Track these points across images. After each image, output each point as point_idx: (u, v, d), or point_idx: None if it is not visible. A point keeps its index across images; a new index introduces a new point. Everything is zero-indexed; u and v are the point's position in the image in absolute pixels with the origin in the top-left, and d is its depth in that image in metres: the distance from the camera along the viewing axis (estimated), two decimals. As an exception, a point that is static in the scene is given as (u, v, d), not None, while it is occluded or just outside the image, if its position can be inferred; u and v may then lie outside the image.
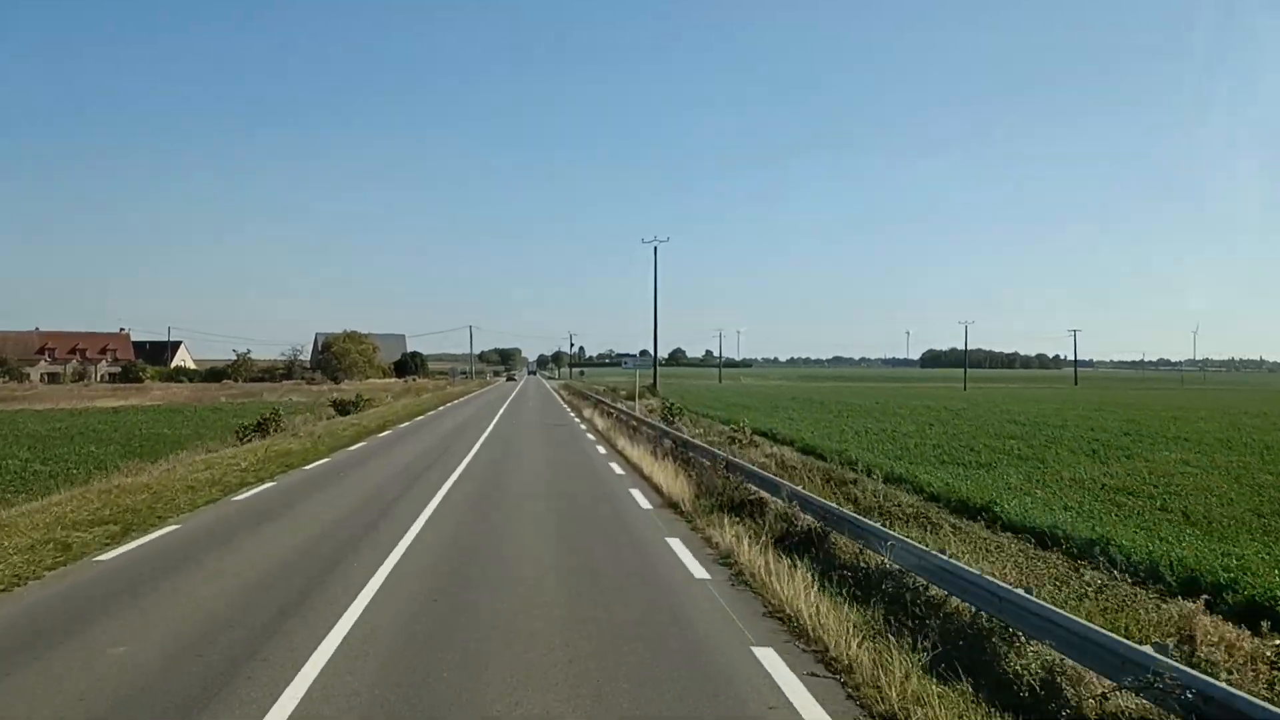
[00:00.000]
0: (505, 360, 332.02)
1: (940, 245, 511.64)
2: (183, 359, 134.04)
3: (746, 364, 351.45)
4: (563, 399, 65.65)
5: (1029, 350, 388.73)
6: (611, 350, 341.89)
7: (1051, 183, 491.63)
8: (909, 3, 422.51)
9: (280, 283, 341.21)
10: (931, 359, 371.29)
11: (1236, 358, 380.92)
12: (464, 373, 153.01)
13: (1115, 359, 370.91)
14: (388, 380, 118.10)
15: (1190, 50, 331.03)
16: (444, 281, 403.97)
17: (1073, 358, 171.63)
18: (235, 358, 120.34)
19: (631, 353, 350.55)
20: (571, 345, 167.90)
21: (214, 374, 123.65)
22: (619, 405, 46.62)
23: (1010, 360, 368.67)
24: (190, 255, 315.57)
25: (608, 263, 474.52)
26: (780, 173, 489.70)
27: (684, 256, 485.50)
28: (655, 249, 65.00)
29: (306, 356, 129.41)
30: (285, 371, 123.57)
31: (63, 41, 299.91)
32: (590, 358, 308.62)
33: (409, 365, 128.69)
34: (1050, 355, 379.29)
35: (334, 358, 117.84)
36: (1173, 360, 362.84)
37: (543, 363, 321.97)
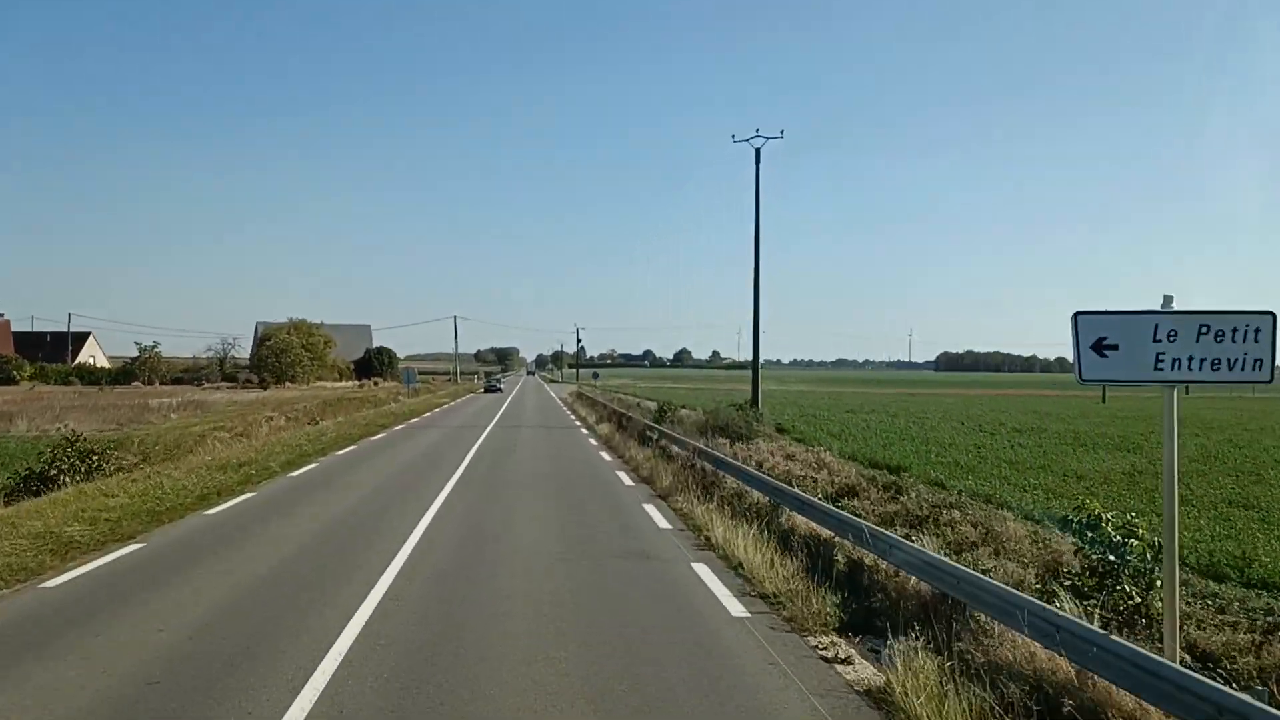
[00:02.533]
0: (502, 360, 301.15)
1: (940, 245, 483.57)
2: (92, 353, 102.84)
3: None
4: (595, 436, 33.11)
5: (1044, 354, 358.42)
6: (613, 350, 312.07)
7: (1051, 183, 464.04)
8: (909, 3, 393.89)
9: (265, 276, 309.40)
10: (948, 362, 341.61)
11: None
12: (446, 375, 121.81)
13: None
14: (338, 384, 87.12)
15: (1190, 50, 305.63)
16: (443, 281, 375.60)
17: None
18: (139, 352, 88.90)
19: (634, 352, 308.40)
20: (578, 340, 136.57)
21: (127, 374, 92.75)
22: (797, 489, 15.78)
23: (1029, 364, 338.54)
24: (167, 250, 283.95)
25: (607, 262, 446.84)
26: (780, 172, 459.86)
27: (683, 255, 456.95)
28: (758, 153, 34.30)
29: (248, 351, 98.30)
30: (216, 370, 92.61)
31: (62, 39, 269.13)
32: (591, 357, 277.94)
33: (374, 364, 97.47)
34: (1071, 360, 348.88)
35: (272, 354, 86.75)
36: None
37: (541, 363, 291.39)
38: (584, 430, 33.33)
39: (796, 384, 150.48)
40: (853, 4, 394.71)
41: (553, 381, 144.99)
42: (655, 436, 25.05)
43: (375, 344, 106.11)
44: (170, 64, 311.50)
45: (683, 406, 40.34)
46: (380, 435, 29.48)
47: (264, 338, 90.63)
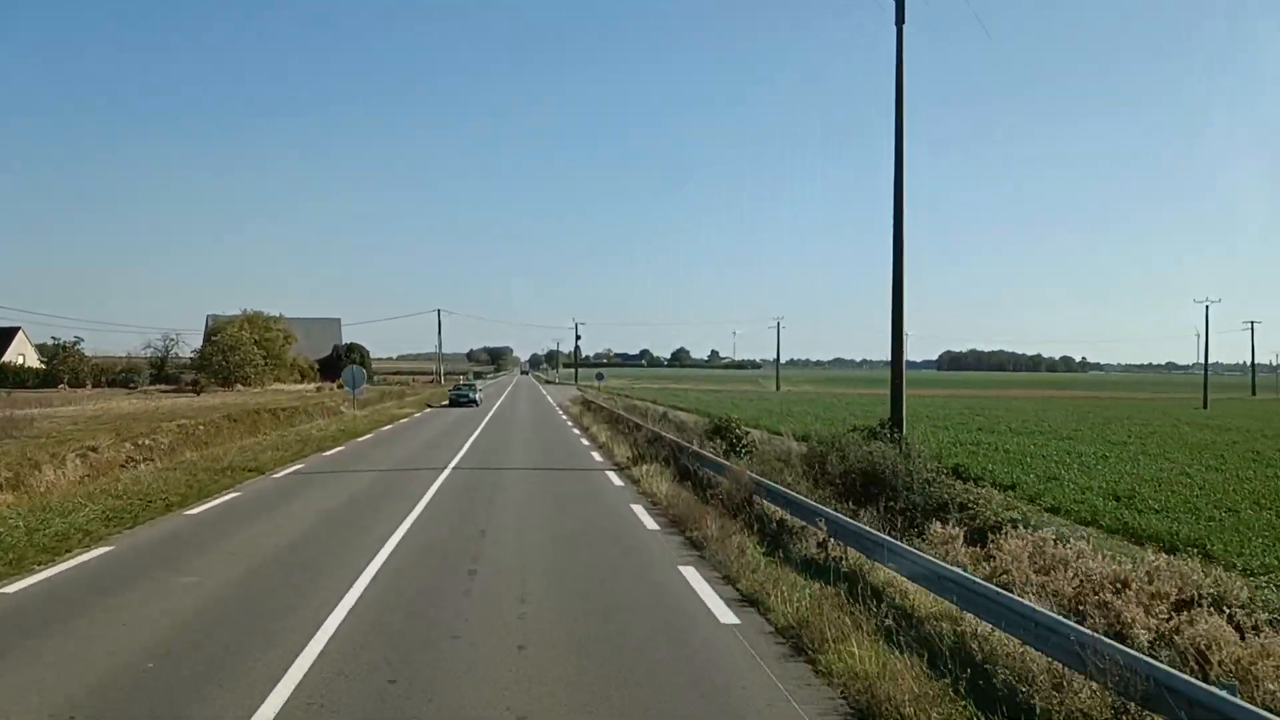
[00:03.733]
0: (495, 359, 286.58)
1: (940, 244, 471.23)
2: (21, 351, 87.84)
3: (754, 365, 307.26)
4: (643, 497, 15.50)
5: (1048, 353, 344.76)
6: (609, 349, 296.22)
7: (1052, 183, 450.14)
8: (909, 3, 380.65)
9: (264, 276, 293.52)
10: (950, 361, 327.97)
11: (1248, 361, 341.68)
12: (430, 376, 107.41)
13: (1123, 362, 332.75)
14: (294, 388, 72.42)
15: (1190, 51, 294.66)
16: (441, 280, 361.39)
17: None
18: (56, 349, 74.22)
19: (630, 352, 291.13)
20: (577, 337, 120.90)
21: (50, 378, 77.90)
22: None
23: (1035, 363, 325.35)
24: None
25: (605, 262, 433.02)
26: (783, 171, 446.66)
27: (682, 255, 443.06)
28: (899, 5, 19.81)
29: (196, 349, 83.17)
30: (154, 369, 77.76)
31: (63, 39, 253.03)
32: (587, 357, 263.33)
33: (342, 363, 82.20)
34: (1078, 359, 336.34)
35: (219, 351, 71.95)
36: (1180, 363, 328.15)
37: (535, 362, 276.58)
38: (616, 479, 18.58)
39: (804, 384, 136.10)
40: (853, 4, 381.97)
41: (549, 383, 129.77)
42: (822, 533, 10.41)
43: (346, 340, 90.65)
44: (170, 64, 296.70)
45: (738, 422, 25.73)
46: (226, 497, 14.81)
47: (212, 332, 75.66)
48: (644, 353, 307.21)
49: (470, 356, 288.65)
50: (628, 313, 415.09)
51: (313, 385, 76.83)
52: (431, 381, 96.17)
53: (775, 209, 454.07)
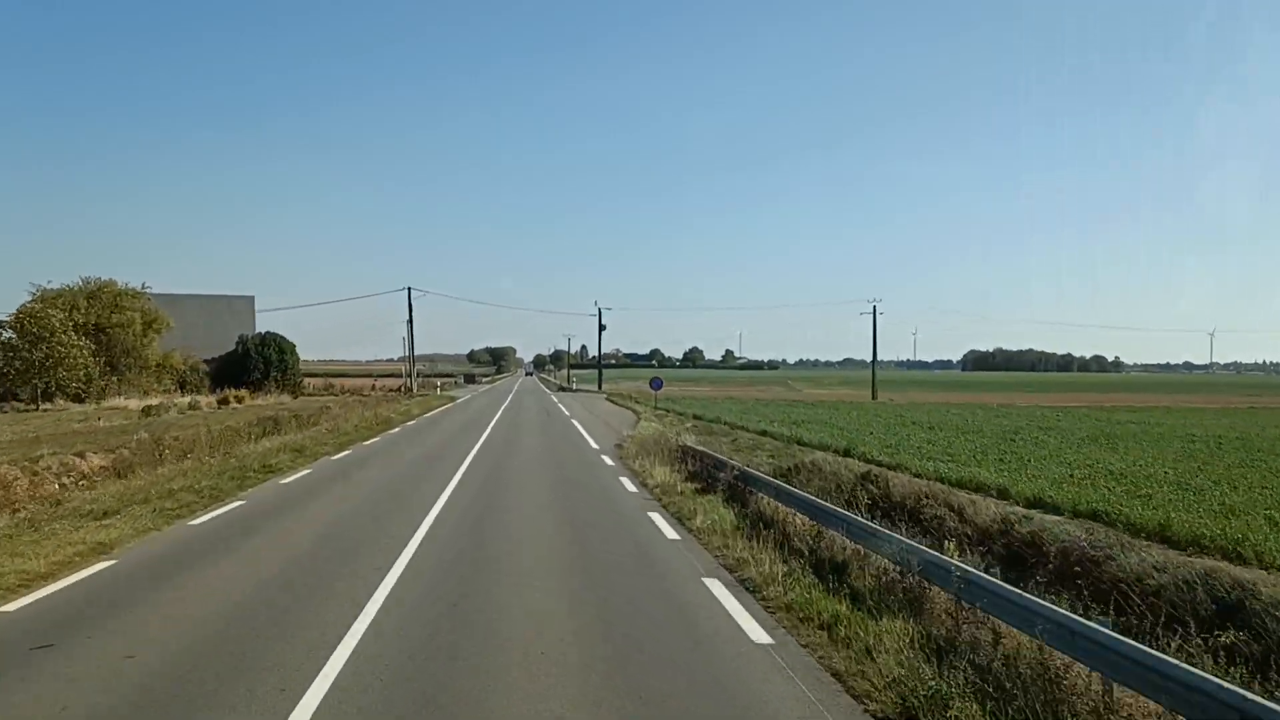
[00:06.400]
0: (497, 359, 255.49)
1: (940, 245, 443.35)
2: None
3: (772, 366, 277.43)
4: None
5: (1079, 352, 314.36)
6: (618, 350, 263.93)
7: (1051, 183, 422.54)
8: (909, 2, 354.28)
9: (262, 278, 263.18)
10: (976, 361, 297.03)
11: (1266, 360, 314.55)
12: (406, 379, 76.28)
13: (1140, 362, 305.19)
14: (143, 405, 40.60)
15: (1188, 54, 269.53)
16: (439, 281, 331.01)
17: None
18: None
19: (639, 351, 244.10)
20: (600, 326, 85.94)
21: None
22: None
23: (1065, 362, 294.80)
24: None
25: (608, 260, 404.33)
26: (784, 171, 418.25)
27: (678, 254, 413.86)
28: None
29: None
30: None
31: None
32: (592, 358, 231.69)
33: (250, 361, 50.58)
34: (1110, 359, 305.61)
35: (22, 342, 40.55)
36: (1195, 363, 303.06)
37: (540, 363, 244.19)
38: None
39: (838, 385, 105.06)
40: (854, 4, 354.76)
41: (563, 389, 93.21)
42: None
43: (261, 329, 57.60)
44: (163, 64, 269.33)
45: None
46: None
47: (23, 315, 43.77)
48: (654, 353, 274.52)
49: (471, 357, 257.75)
50: (634, 310, 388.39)
51: (200, 397, 45.35)
52: (400, 389, 64.36)
53: (782, 207, 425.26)
